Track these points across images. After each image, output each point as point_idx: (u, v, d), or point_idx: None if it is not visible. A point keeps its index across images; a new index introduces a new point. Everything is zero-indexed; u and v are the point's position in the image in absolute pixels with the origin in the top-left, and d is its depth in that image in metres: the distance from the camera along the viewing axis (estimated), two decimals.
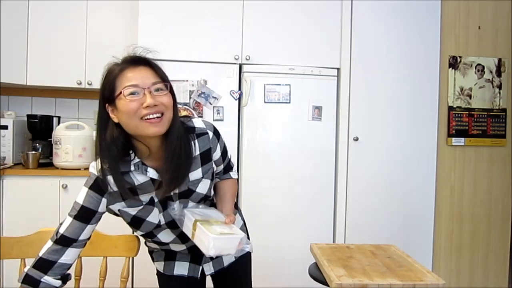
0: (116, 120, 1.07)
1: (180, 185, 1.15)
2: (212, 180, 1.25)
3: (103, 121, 1.08)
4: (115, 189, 1.11)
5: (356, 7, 2.63)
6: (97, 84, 2.72)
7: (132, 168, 1.11)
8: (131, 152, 1.12)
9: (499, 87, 2.79)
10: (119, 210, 1.17)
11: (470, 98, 2.76)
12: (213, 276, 1.41)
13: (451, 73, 2.73)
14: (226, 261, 1.38)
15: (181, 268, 1.35)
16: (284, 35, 2.59)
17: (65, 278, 1.16)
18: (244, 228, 1.48)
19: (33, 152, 2.60)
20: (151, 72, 1.08)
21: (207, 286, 1.43)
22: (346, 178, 2.63)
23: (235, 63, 2.55)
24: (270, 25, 2.58)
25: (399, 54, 2.67)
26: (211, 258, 1.36)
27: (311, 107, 2.58)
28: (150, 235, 1.25)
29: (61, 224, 1.15)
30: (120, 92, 1.03)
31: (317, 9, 2.60)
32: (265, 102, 2.54)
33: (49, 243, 1.13)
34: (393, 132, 2.67)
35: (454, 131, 2.74)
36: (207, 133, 1.21)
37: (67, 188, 2.48)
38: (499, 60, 2.77)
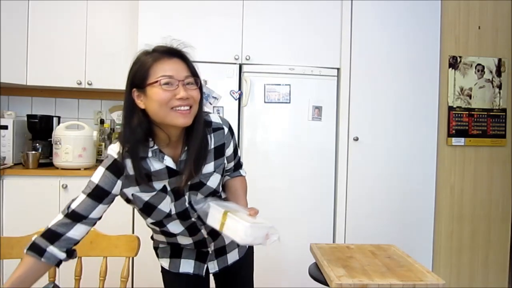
0: (142, 106, 1.10)
1: (196, 176, 1.18)
2: (222, 175, 1.28)
3: (130, 106, 1.12)
4: (131, 173, 1.13)
5: (356, 7, 2.63)
6: (97, 84, 2.73)
7: (150, 154, 1.14)
8: (150, 139, 1.14)
9: (499, 87, 2.79)
10: (132, 194, 1.18)
11: (470, 98, 2.76)
12: (216, 275, 1.42)
13: (451, 73, 2.73)
14: (230, 260, 1.40)
15: (187, 266, 1.36)
16: (284, 35, 2.59)
17: (70, 253, 1.14)
18: None
19: (33, 152, 2.60)
20: (184, 65, 1.12)
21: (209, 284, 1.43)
22: (346, 178, 2.63)
23: (235, 63, 2.55)
24: (270, 25, 2.58)
25: (399, 54, 2.67)
26: (216, 257, 1.37)
27: (311, 107, 2.58)
28: (159, 224, 1.26)
29: (73, 200, 1.15)
30: (156, 81, 1.07)
31: (317, 9, 2.61)
32: (265, 102, 2.54)
33: (60, 216, 1.13)
34: (393, 132, 2.67)
35: (454, 131, 2.74)
36: (222, 128, 1.25)
37: (67, 188, 2.48)
38: (499, 60, 2.77)
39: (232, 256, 1.40)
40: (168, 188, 1.19)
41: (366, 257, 1.72)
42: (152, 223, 1.26)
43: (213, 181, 1.24)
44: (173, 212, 1.22)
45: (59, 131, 2.56)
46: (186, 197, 1.22)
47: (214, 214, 1.17)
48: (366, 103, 2.64)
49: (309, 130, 2.58)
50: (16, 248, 1.37)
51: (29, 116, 2.75)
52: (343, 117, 2.63)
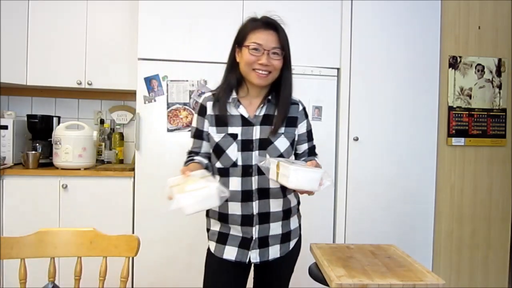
0: (237, 60, 1.43)
1: (281, 126, 1.41)
2: (291, 144, 1.45)
3: (231, 59, 1.46)
4: (212, 113, 1.43)
5: (356, 7, 2.62)
6: (97, 84, 2.73)
7: (230, 100, 1.42)
8: (234, 90, 1.44)
9: (499, 87, 2.79)
10: (209, 134, 1.44)
11: (470, 98, 2.76)
12: (256, 266, 1.48)
13: (451, 73, 2.73)
14: (272, 255, 1.46)
15: (230, 253, 1.44)
16: None
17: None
18: (298, 230, 1.55)
19: (33, 152, 2.60)
20: (275, 37, 1.41)
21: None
22: (346, 178, 2.63)
23: None
24: None
25: (399, 54, 2.67)
26: (259, 247, 1.43)
27: (311, 107, 2.57)
28: (225, 173, 1.40)
29: None
30: (248, 45, 1.37)
31: (317, 9, 2.60)
32: None
33: (188, 156, 1.48)
34: (393, 132, 2.67)
35: (454, 131, 2.74)
36: (298, 104, 1.52)
37: (67, 188, 2.47)
38: (499, 60, 2.77)
39: (274, 252, 1.46)
40: (239, 137, 1.39)
41: (366, 257, 1.72)
42: (219, 170, 1.41)
43: (280, 144, 1.41)
44: (240, 163, 1.38)
45: (59, 131, 2.56)
46: (254, 154, 1.38)
47: (272, 167, 1.28)
48: (366, 103, 2.64)
49: None
50: (16, 248, 1.36)
51: (29, 116, 2.75)
52: (343, 117, 2.63)
